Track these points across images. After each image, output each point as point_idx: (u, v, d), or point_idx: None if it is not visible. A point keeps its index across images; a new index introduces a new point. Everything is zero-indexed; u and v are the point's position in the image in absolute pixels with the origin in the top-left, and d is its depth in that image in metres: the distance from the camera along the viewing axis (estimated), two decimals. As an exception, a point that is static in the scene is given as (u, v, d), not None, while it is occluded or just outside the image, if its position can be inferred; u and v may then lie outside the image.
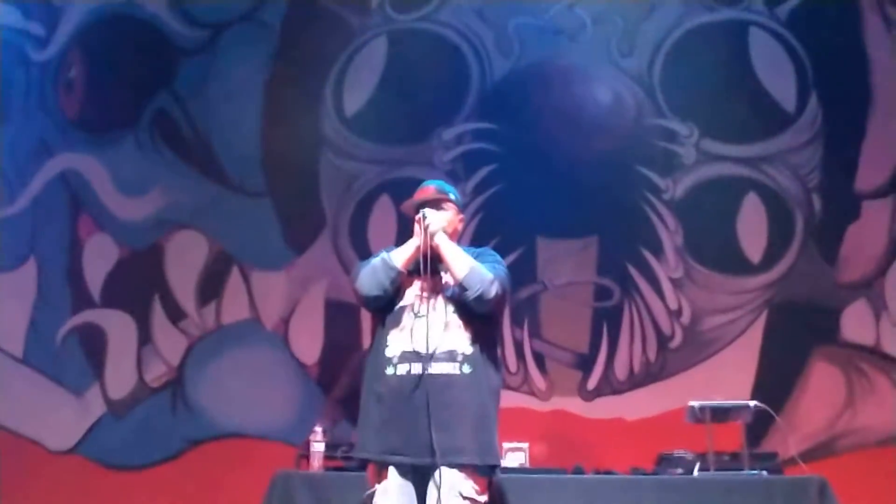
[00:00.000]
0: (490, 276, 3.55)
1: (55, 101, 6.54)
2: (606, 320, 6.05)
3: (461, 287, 3.55)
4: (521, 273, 5.99)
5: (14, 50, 6.53)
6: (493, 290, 3.53)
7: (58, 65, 6.57)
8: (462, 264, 3.57)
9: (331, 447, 4.39)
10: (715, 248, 6.09)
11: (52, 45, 6.57)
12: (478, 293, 3.52)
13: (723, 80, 6.18)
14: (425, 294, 3.60)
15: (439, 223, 3.64)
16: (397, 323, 3.60)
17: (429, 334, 3.50)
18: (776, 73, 6.22)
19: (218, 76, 6.47)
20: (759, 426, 4.94)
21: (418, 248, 3.62)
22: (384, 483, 3.52)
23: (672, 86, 6.24)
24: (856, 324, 5.96)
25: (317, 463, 4.39)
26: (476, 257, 3.66)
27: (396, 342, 3.57)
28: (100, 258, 6.35)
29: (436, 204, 3.73)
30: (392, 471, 3.51)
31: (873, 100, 6.18)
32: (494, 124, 6.29)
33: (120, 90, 6.49)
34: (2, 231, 6.37)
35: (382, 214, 6.15)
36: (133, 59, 6.52)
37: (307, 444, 4.43)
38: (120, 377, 6.19)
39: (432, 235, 3.60)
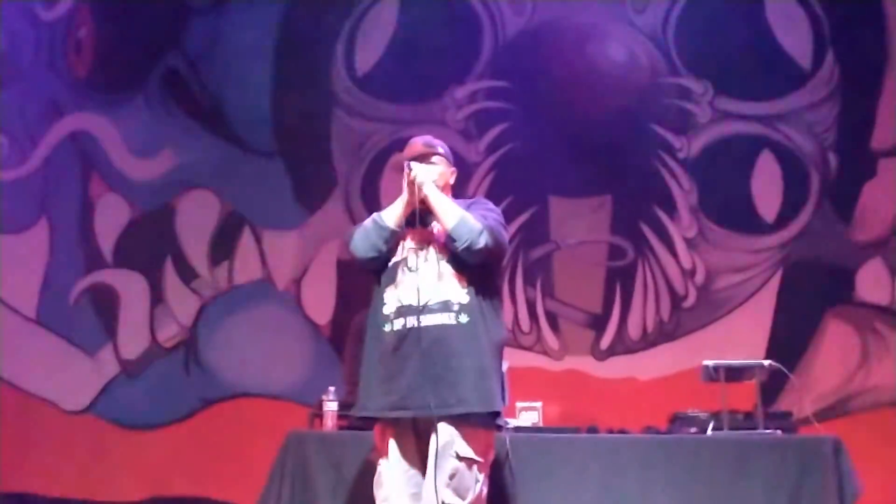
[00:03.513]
0: (479, 226, 3.50)
1: (64, 61, 6.51)
2: (620, 280, 6.02)
3: (450, 238, 3.52)
4: (533, 232, 5.98)
5: (23, 9, 6.49)
6: (482, 241, 3.48)
7: (67, 24, 6.54)
8: (451, 215, 3.53)
9: (344, 406, 4.38)
10: (729, 207, 6.04)
11: (61, 3, 6.54)
12: (466, 243, 3.48)
13: (738, 36, 6.10)
14: (417, 247, 3.60)
15: (427, 175, 3.61)
16: (392, 280, 3.58)
17: (420, 286, 3.48)
18: (792, 30, 6.14)
19: (229, 36, 6.44)
20: (773, 385, 4.91)
21: (407, 202, 3.60)
22: (385, 461, 3.52)
23: (687, 43, 6.17)
24: (871, 283, 5.92)
25: (330, 422, 4.38)
26: (467, 208, 3.62)
27: (392, 299, 3.55)
28: (111, 219, 6.36)
29: (425, 158, 3.70)
30: (392, 443, 3.50)
31: (890, 57, 6.10)
32: (507, 83, 6.24)
33: (130, 50, 6.47)
34: (14, 191, 6.36)
35: (394, 174, 6.11)
36: (143, 18, 6.47)
37: (320, 404, 4.42)
38: (133, 337, 6.22)
39: (419, 187, 3.56)
